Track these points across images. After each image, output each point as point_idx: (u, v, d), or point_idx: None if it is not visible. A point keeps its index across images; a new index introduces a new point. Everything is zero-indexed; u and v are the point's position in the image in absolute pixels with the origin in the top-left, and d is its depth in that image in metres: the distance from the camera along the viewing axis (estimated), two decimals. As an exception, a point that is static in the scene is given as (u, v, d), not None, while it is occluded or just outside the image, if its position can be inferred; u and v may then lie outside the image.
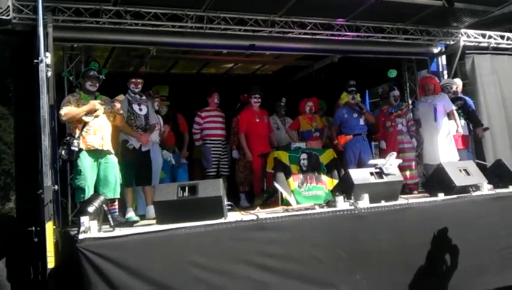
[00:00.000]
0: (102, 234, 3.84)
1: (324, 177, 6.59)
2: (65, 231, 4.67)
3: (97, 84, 5.31)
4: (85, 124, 5.04)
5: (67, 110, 5.01)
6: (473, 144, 7.63)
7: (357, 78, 7.71)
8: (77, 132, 5.00)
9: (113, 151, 5.26)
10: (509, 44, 8.58)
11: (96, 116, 5.13)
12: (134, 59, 8.01)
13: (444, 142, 6.96)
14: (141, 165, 5.86)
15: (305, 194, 6.36)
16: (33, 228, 4.43)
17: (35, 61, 4.79)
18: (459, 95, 7.66)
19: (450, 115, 7.06)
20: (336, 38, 7.51)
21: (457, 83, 7.76)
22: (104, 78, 5.42)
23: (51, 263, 4.20)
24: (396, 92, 7.43)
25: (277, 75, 9.88)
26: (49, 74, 4.86)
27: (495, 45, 8.42)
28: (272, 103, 8.11)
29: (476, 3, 7.29)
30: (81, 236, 3.69)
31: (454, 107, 7.08)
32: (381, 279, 4.60)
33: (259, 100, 7.35)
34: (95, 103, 5.12)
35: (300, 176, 6.45)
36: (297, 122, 7.67)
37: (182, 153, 7.11)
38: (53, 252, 4.25)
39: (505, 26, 9.70)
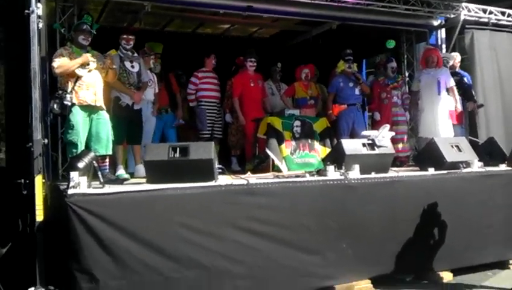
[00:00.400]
0: (91, 190, 3.79)
1: (317, 146, 6.58)
2: (55, 185, 4.63)
3: (89, 39, 5.18)
4: (77, 78, 4.92)
5: (60, 63, 4.89)
6: (467, 120, 7.61)
7: (354, 46, 7.63)
8: (69, 86, 4.89)
9: (104, 107, 5.18)
10: (510, 21, 8.49)
11: (90, 71, 5.02)
12: (128, 14, 7.82)
13: (444, 116, 6.95)
14: (133, 123, 5.80)
15: (297, 161, 6.35)
16: (22, 181, 4.37)
17: (26, 11, 4.65)
18: (457, 70, 7.60)
19: (449, 91, 7.03)
20: (336, 4, 7.35)
21: (455, 58, 7.69)
22: (95, 33, 5.28)
23: (39, 216, 4.18)
24: (394, 64, 7.38)
25: (274, 39, 9.72)
26: (41, 25, 4.74)
27: (495, 21, 8.33)
28: (268, 68, 8.02)
29: (479, -23, 7.18)
30: (70, 191, 3.65)
31: (453, 83, 7.03)
32: (367, 249, 4.63)
33: (255, 64, 7.26)
34: (88, 56, 5.00)
35: (293, 142, 6.43)
36: (293, 88, 7.60)
37: (177, 114, 7.02)
38: (42, 205, 4.23)
39: (506, 2, 9.59)
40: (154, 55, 6.78)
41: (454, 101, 6.99)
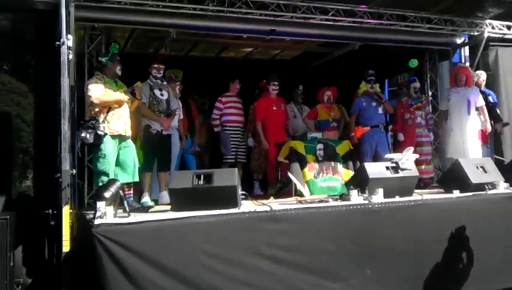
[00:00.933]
0: (117, 220, 3.88)
1: (340, 168, 6.57)
2: (81, 214, 4.74)
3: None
4: (110, 108, 5.06)
5: (99, 96, 5.01)
6: (492, 139, 7.51)
7: (377, 66, 7.63)
8: (102, 116, 5.01)
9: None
10: (535, 37, 8.39)
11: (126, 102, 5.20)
12: (154, 41, 8.00)
13: (474, 136, 6.88)
14: (162, 150, 5.93)
15: (321, 185, 6.36)
16: (50, 211, 4.48)
17: (57, 43, 4.79)
18: (482, 88, 7.51)
19: (478, 110, 6.97)
20: (358, 25, 7.42)
21: (480, 76, 7.59)
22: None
23: (66, 247, 4.26)
24: (417, 84, 7.35)
25: (296, 60, 9.79)
26: (71, 56, 4.87)
27: (520, 38, 8.25)
28: (290, 90, 8.05)
29: (503, -6, 7.13)
30: (96, 221, 3.74)
31: (483, 102, 6.97)
32: (392, 275, 4.59)
33: (277, 88, 7.32)
34: (126, 98, 5.18)
35: (316, 166, 6.44)
36: (315, 111, 7.62)
37: (194, 139, 7.09)
38: (68, 235, 4.32)
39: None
40: (179, 81, 6.89)
41: (484, 121, 6.91)
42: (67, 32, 4.90)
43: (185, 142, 6.67)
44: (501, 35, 8.13)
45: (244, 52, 9.30)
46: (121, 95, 5.14)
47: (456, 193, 5.25)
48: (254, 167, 7.53)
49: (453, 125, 7.08)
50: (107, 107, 5.05)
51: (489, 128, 6.98)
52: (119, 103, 5.12)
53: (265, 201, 4.85)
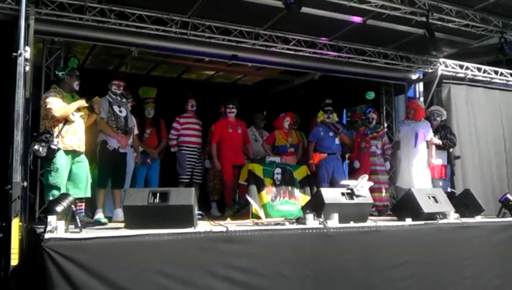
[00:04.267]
0: (68, 235, 3.75)
1: (297, 193, 6.64)
2: (31, 228, 4.58)
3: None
4: (65, 123, 4.96)
5: (59, 107, 4.92)
6: (450, 173, 7.72)
7: (336, 96, 7.82)
8: (56, 130, 4.91)
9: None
10: (485, 77, 8.82)
11: (81, 116, 5.11)
12: (115, 58, 7.96)
13: (420, 168, 7.13)
14: (118, 167, 5.86)
15: (278, 208, 6.40)
16: (-1, 223, 4.33)
17: (14, 54, 4.68)
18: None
19: (428, 143, 7.22)
20: (318, 56, 7.63)
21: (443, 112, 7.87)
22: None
23: (14, 260, 4.10)
24: (373, 115, 7.52)
25: (257, 86, 9.94)
26: (27, 68, 4.75)
27: (471, 76, 8.64)
28: (251, 114, 8.13)
29: (456, 35, 7.48)
30: (47, 235, 3.61)
31: (433, 138, 7.23)
32: (344, 300, 4.62)
33: (234, 111, 7.34)
34: (83, 101, 5.08)
35: (274, 189, 6.49)
36: (273, 136, 7.70)
37: (150, 152, 6.89)
38: (17, 249, 4.16)
39: (483, 58, 9.97)
40: (132, 98, 6.73)
41: (429, 156, 7.16)
42: (26, 44, 4.80)
43: (139, 156, 6.54)
44: (454, 74, 8.53)
45: (206, 74, 9.37)
46: (78, 102, 5.05)
47: (409, 221, 5.36)
48: (209, 187, 7.53)
49: (401, 156, 7.40)
50: (64, 120, 4.94)
51: (433, 163, 7.20)
52: (79, 108, 5.04)
53: (221, 222, 4.81)
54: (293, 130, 7.75)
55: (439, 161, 7.29)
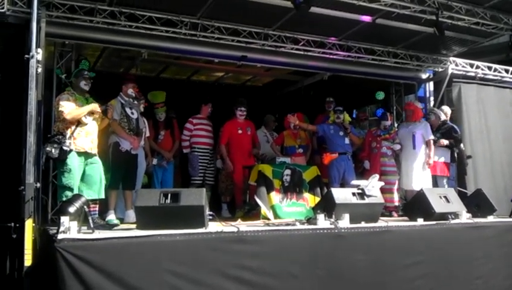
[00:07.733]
0: (81, 236, 3.78)
1: (306, 194, 6.60)
2: (44, 229, 4.61)
3: (90, 84, 5.28)
4: (77, 125, 5.00)
5: (70, 109, 4.97)
6: (455, 172, 7.69)
7: (345, 97, 7.79)
8: (69, 132, 4.95)
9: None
10: (496, 75, 8.75)
11: (94, 119, 5.15)
12: (125, 60, 8.00)
13: (419, 169, 7.15)
14: (130, 169, 5.88)
15: (286, 210, 6.36)
16: (12, 224, 4.35)
17: (26, 56, 4.74)
18: (447, 122, 7.70)
19: (427, 143, 7.19)
20: (327, 56, 7.62)
21: (446, 111, 7.80)
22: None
23: (28, 261, 4.14)
24: (387, 122, 7.44)
25: (267, 87, 9.93)
26: (39, 70, 4.81)
27: (482, 75, 8.58)
28: (261, 115, 8.13)
29: (466, 34, 7.44)
30: (60, 236, 3.64)
31: (432, 137, 7.20)
32: (355, 300, 4.61)
33: (244, 113, 7.35)
34: (96, 105, 5.13)
35: (282, 191, 6.46)
36: (282, 137, 7.70)
37: (165, 155, 6.95)
38: (31, 249, 4.20)
39: (493, 57, 9.89)
40: (144, 99, 6.77)
41: (426, 156, 7.13)
42: (38, 46, 4.85)
43: (150, 159, 6.59)
44: (464, 72, 8.45)
45: (216, 76, 9.38)
46: (91, 106, 5.09)
47: (420, 221, 5.34)
48: (221, 189, 7.53)
49: (402, 158, 7.39)
50: (76, 122, 4.98)
51: (431, 164, 7.16)
52: (91, 113, 5.07)
53: (232, 222, 4.82)
54: (301, 130, 7.73)
55: (436, 157, 7.25)
